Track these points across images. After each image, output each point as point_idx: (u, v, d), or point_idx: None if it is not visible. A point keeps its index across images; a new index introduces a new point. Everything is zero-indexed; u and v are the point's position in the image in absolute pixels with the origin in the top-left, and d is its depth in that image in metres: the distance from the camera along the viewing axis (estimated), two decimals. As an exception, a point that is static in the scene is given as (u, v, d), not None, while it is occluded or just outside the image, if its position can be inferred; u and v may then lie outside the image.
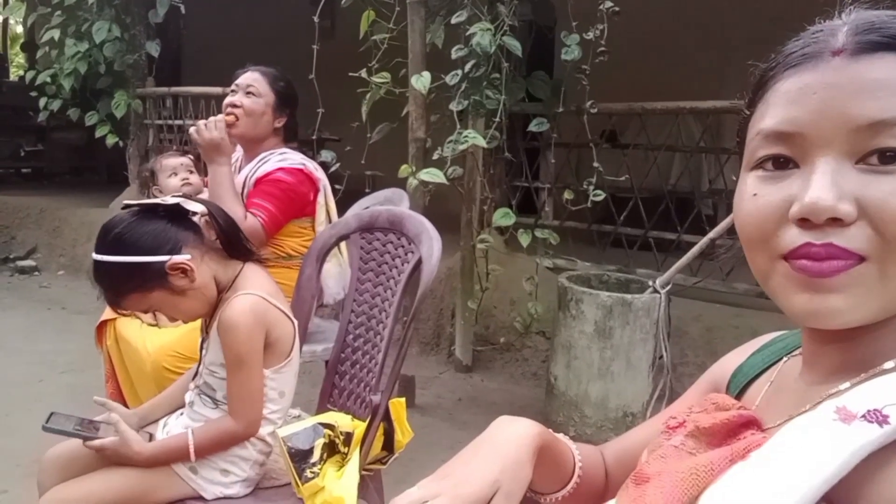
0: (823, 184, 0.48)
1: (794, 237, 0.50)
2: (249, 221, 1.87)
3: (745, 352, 0.70)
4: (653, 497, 0.54)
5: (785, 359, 0.64)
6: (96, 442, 1.25)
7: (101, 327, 2.05)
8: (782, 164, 0.52)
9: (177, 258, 1.23)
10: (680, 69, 4.46)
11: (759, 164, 0.53)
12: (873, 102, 0.47)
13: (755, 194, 0.53)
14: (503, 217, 2.65)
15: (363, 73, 2.76)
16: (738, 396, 0.65)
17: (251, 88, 2.03)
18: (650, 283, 2.60)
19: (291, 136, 2.17)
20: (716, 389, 0.70)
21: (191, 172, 2.29)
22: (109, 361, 2.04)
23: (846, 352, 0.53)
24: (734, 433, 0.55)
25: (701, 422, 0.57)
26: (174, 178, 2.26)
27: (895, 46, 0.49)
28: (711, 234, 2.54)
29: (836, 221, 0.48)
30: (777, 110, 0.52)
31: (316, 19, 2.90)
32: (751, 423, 0.55)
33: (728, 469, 0.51)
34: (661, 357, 2.51)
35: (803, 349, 0.59)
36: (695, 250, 2.55)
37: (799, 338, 0.64)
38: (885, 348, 0.51)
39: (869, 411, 0.45)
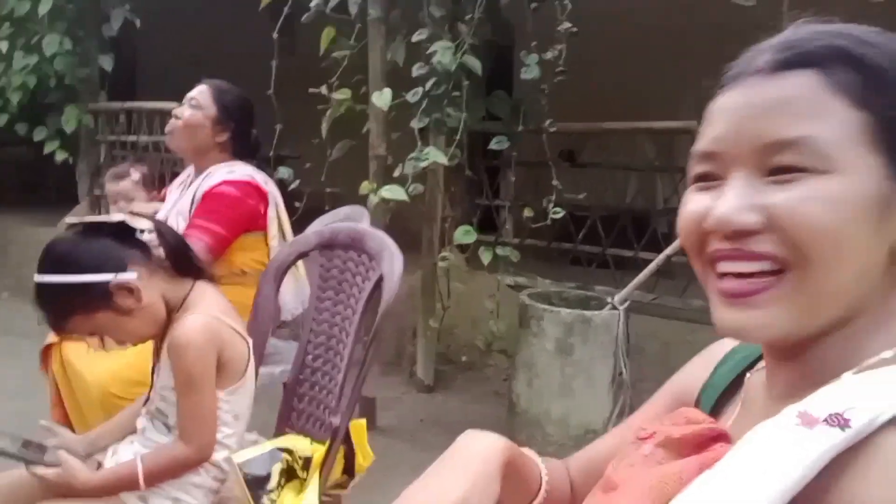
0: (729, 197, 0.51)
1: (713, 244, 0.53)
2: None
3: (709, 364, 0.71)
4: None
5: (749, 374, 0.65)
6: (39, 469, 1.19)
7: (47, 351, 1.97)
8: (711, 179, 0.55)
9: (122, 276, 1.18)
10: (639, 90, 4.56)
11: (694, 181, 0.57)
12: (777, 120, 0.50)
13: (687, 205, 0.56)
14: (464, 234, 2.66)
15: (323, 90, 2.74)
16: (713, 413, 0.65)
17: (193, 101, 2.01)
18: (609, 299, 2.63)
19: (252, 153, 2.13)
20: (683, 403, 0.70)
21: (129, 201, 2.28)
22: (55, 387, 1.95)
23: (803, 365, 0.54)
24: (704, 445, 0.56)
25: (672, 433, 0.58)
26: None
27: (810, 63, 0.50)
28: (667, 251, 2.58)
29: (744, 232, 0.51)
30: (706, 130, 0.55)
31: (274, 35, 2.88)
32: (721, 437, 0.56)
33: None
34: (620, 374, 2.53)
35: (765, 364, 0.60)
36: (651, 267, 2.59)
37: (758, 347, 0.64)
38: (840, 359, 0.52)
39: (830, 415, 0.46)
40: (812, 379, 0.52)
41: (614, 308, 2.56)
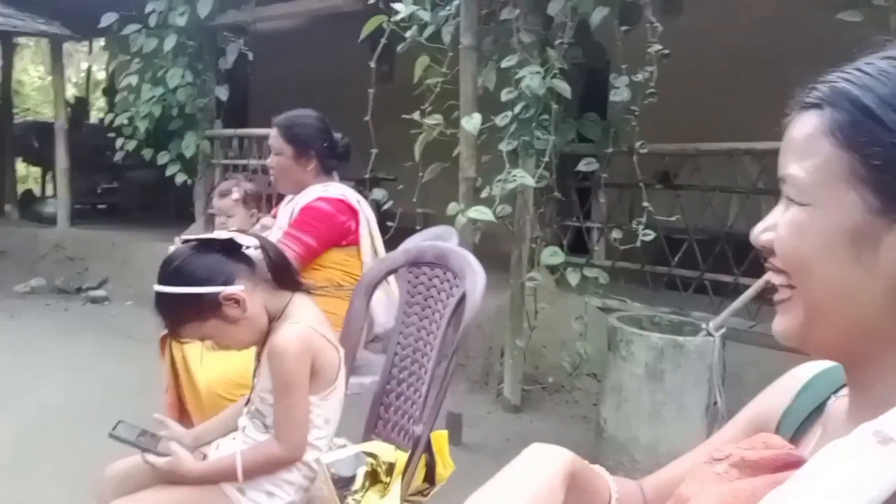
0: (766, 218, 0.60)
1: None
2: None
3: (790, 390, 0.70)
4: None
5: (833, 398, 0.64)
6: (151, 458, 1.31)
7: (165, 339, 2.13)
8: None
9: (230, 289, 1.29)
10: (742, 110, 4.40)
11: None
12: (785, 157, 0.57)
13: None
14: (551, 255, 2.66)
15: (416, 116, 2.85)
16: (793, 439, 0.64)
17: (274, 149, 2.19)
18: (703, 325, 2.54)
19: (343, 156, 2.26)
20: (761, 429, 0.69)
21: (229, 217, 2.44)
22: (172, 372, 2.09)
23: (867, 390, 0.55)
24: (780, 469, 0.56)
25: (748, 455, 0.58)
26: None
27: (818, 104, 0.55)
28: (766, 276, 2.47)
29: (767, 250, 0.59)
30: None
31: (372, 64, 3.03)
32: (799, 464, 0.55)
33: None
34: (715, 403, 2.43)
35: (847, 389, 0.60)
36: (749, 292, 2.48)
37: (840, 371, 0.64)
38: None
39: None
40: (874, 403, 0.53)
41: (709, 334, 2.48)
